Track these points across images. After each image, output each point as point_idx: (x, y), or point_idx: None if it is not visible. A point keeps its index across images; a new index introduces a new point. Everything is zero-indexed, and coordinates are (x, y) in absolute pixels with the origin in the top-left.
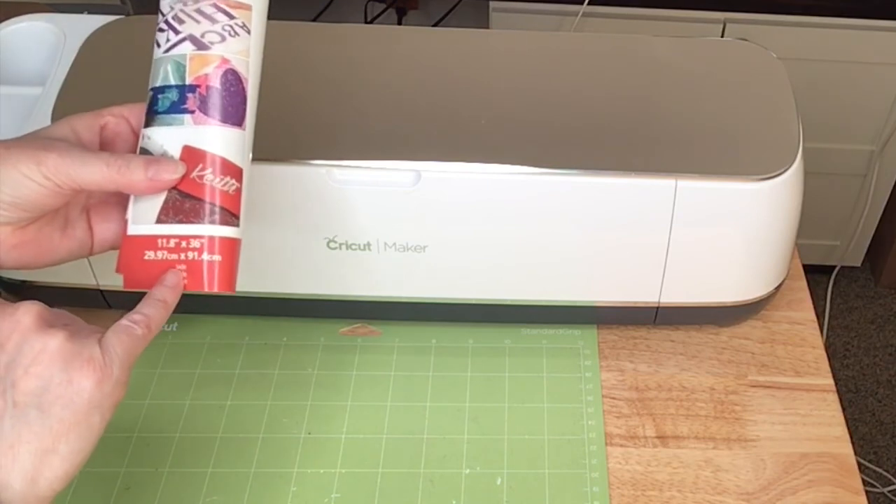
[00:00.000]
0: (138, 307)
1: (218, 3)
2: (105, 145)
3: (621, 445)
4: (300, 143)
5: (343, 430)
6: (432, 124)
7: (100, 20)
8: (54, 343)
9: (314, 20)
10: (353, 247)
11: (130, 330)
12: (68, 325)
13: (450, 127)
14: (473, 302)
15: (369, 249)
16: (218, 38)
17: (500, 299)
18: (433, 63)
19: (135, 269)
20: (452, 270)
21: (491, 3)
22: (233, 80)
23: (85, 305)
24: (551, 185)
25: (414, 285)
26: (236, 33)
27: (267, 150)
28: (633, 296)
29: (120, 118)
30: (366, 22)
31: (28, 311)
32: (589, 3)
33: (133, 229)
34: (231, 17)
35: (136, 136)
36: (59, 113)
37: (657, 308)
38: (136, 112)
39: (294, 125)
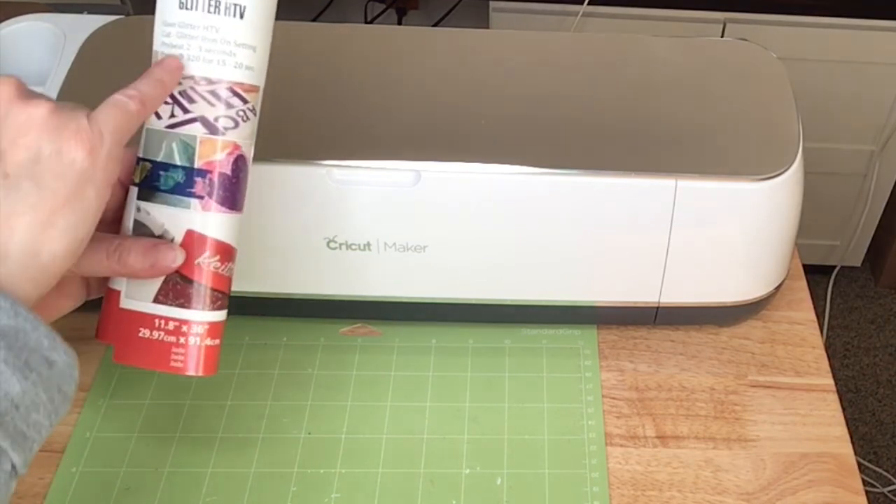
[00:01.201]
0: (133, 84)
1: (234, 87)
2: None
3: (621, 445)
4: (300, 143)
5: (343, 430)
6: (432, 124)
7: (100, 20)
8: (39, 113)
9: (314, 20)
10: (353, 247)
11: (123, 104)
12: (50, 100)
13: (450, 127)
14: (473, 302)
15: (369, 249)
16: (231, 124)
17: (500, 299)
18: (433, 63)
19: (127, 344)
20: (452, 270)
21: (491, 3)
22: (241, 167)
23: (84, 306)
24: (551, 185)
25: (414, 285)
26: (247, 118)
27: (267, 150)
28: (633, 296)
29: None
30: (366, 22)
31: (6, 82)
32: (589, 3)
33: (127, 304)
34: (245, 101)
35: (124, 188)
36: None
37: (657, 308)
38: (123, 163)
39: (294, 125)
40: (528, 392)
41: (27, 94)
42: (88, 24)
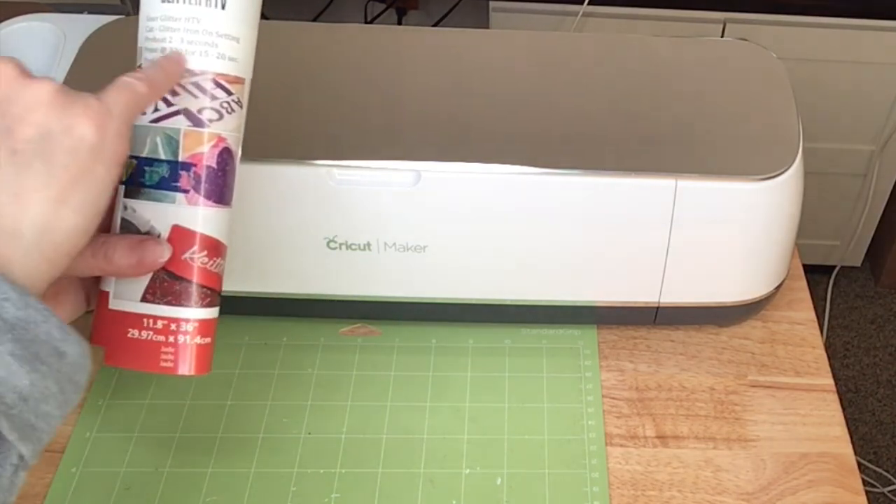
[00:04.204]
0: (141, 69)
1: (217, 79)
2: None
3: (621, 445)
4: (300, 143)
5: (343, 430)
6: (432, 124)
7: (100, 20)
8: (46, 90)
9: (314, 20)
10: (353, 247)
11: (131, 85)
12: (55, 80)
13: (450, 127)
14: (473, 302)
15: (369, 249)
16: (216, 116)
17: (500, 299)
18: (433, 63)
19: (117, 345)
20: (452, 270)
21: (491, 3)
22: (227, 159)
23: None
24: (551, 185)
25: (414, 285)
26: (232, 110)
27: (267, 150)
28: (633, 296)
29: None
30: (366, 22)
31: (7, 62)
32: (589, 3)
33: (116, 304)
34: (229, 93)
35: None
36: None
37: (657, 308)
38: None
39: (294, 125)
40: (528, 392)
41: (30, 73)
42: (88, 24)
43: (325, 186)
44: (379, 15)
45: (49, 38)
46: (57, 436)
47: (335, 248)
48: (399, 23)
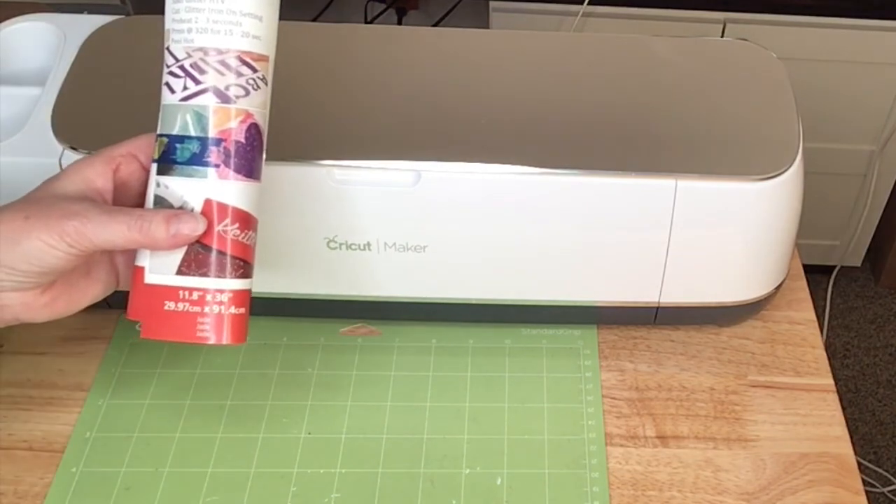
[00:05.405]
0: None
1: (242, 56)
2: (120, 187)
3: (621, 445)
4: (300, 143)
5: (343, 430)
6: (432, 124)
7: (100, 20)
8: None
9: (314, 20)
10: (353, 247)
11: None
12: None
13: (450, 127)
14: (473, 302)
15: (369, 249)
16: (242, 92)
17: (500, 299)
18: (433, 63)
19: (154, 318)
20: (452, 270)
21: (491, 3)
22: (255, 135)
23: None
24: (551, 185)
25: (414, 285)
26: (258, 86)
27: (267, 149)
28: (633, 296)
29: (129, 157)
30: (366, 22)
31: None
32: (589, 3)
33: (152, 278)
34: (254, 70)
35: (147, 170)
36: (59, 113)
37: (657, 308)
38: (143, 146)
39: (294, 125)
40: (528, 392)
41: None
42: (88, 24)
43: (325, 186)
44: (379, 15)
45: (49, 38)
46: (57, 436)
47: (335, 248)
48: (399, 23)
